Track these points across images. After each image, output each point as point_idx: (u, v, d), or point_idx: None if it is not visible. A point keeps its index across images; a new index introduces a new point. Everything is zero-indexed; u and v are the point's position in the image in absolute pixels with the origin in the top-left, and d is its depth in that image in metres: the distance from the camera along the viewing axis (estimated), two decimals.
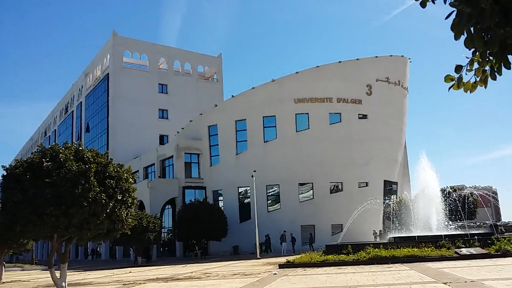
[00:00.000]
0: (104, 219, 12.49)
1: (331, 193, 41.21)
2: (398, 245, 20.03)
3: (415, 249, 18.92)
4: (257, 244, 32.29)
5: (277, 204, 40.98)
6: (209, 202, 40.20)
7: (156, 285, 16.01)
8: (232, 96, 44.40)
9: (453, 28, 3.22)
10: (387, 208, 37.73)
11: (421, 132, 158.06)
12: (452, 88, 3.59)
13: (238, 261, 28.34)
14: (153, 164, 47.65)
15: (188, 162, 44.18)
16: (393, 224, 35.23)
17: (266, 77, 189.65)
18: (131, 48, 59.94)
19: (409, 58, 48.07)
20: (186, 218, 36.73)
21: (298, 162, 40.12)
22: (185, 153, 43.77)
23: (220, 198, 43.01)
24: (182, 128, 46.12)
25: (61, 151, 12.54)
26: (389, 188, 43.94)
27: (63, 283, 12.92)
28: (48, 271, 13.67)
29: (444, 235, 21.99)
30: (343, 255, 19.38)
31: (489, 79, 3.49)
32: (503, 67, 3.35)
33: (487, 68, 3.45)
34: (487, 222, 49.97)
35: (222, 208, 40.49)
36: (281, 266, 19.61)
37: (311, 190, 40.94)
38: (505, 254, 17.65)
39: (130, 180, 13.47)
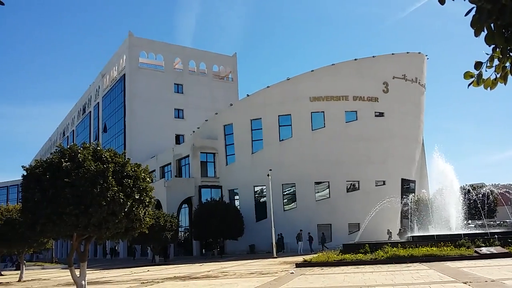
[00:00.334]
0: (122, 218, 12.62)
1: (347, 192, 40.95)
2: (416, 244, 19.83)
3: (434, 248, 18.69)
4: (274, 243, 32.29)
5: (293, 203, 40.90)
6: (225, 201, 40.31)
7: (174, 284, 16.13)
8: (247, 95, 44.44)
9: (473, 24, 3.18)
10: (405, 207, 37.35)
11: (439, 129, 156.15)
12: (471, 85, 3.54)
13: (254, 260, 28.40)
14: (170, 163, 47.99)
15: (204, 161, 44.38)
16: (411, 223, 34.84)
17: (281, 76, 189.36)
18: (147, 49, 60.43)
19: (426, 55, 47.47)
20: (202, 217, 36.92)
21: (314, 161, 39.97)
22: (201, 152, 43.98)
23: (236, 197, 43.11)
24: (198, 128, 46.36)
25: (79, 151, 12.70)
26: (407, 186, 43.46)
27: (83, 282, 13.10)
28: (68, 270, 13.87)
29: (464, 234, 21.69)
30: (360, 254, 19.25)
31: (510, 75, 3.44)
32: None
33: (507, 64, 3.39)
34: (507, 220, 49.13)
35: (238, 207, 40.58)
36: (298, 265, 19.58)
37: (328, 189, 40.74)
38: None
39: (148, 179, 13.58)
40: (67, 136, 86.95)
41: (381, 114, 42.43)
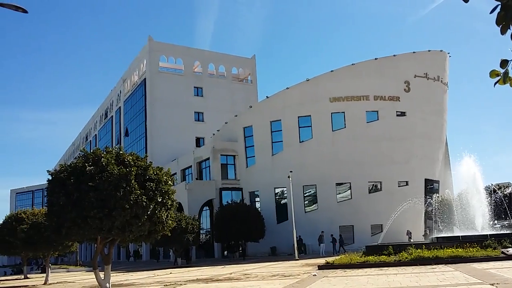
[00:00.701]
0: (145, 221, 12.76)
1: (369, 192, 40.53)
2: (441, 246, 19.46)
3: (460, 250, 18.32)
4: (295, 245, 32.18)
5: (314, 205, 40.69)
6: (246, 203, 40.36)
7: (197, 286, 16.20)
8: (267, 97, 44.44)
9: (498, 22, 3.11)
10: (429, 208, 36.76)
11: (463, 128, 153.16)
12: (497, 84, 3.47)
13: (276, 262, 28.32)
14: (190, 166, 48.32)
15: (224, 163, 44.54)
16: (436, 224, 34.28)
17: (300, 77, 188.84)
18: (166, 53, 61.05)
19: (448, 53, 46.69)
20: (223, 220, 37.03)
21: (335, 162, 39.70)
22: (221, 154, 44.15)
23: (257, 199, 43.11)
24: (218, 130, 46.56)
25: (102, 155, 12.91)
26: (431, 186, 42.77)
27: (107, 284, 13.29)
28: (93, 272, 14.09)
29: (490, 234, 21.22)
30: (384, 256, 19.00)
31: None
32: None
33: None
34: None
35: (259, 209, 40.56)
36: (320, 267, 19.44)
37: (349, 190, 40.41)
38: None
39: (170, 182, 13.71)
40: (90, 141, 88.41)
41: (403, 114, 41.90)
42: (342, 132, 40.63)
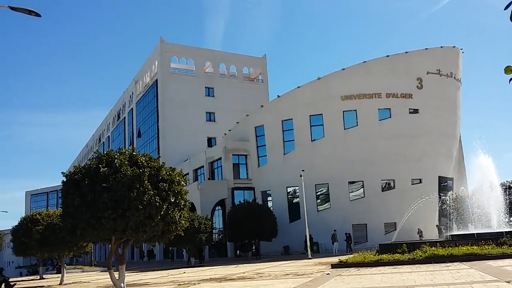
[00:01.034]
0: (159, 221, 12.85)
1: (382, 191, 40.27)
2: (456, 243, 19.26)
3: (475, 247, 18.10)
4: (308, 244, 32.12)
5: (326, 203, 40.56)
6: (258, 202, 40.38)
7: (211, 285, 16.27)
8: (278, 96, 44.40)
9: None
10: (443, 205, 36.42)
11: (477, 125, 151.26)
12: None
13: (289, 261, 28.29)
14: (202, 166, 48.48)
15: (236, 163, 44.61)
16: (450, 222, 33.93)
17: (311, 75, 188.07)
18: (178, 54, 61.31)
19: (461, 49, 46.19)
20: (236, 219, 37.11)
21: (347, 160, 39.53)
22: (232, 154, 44.22)
23: (269, 198, 43.10)
24: (229, 130, 46.63)
25: (116, 156, 13.03)
26: (445, 184, 42.36)
27: (122, 284, 13.40)
28: (107, 272, 14.22)
29: (506, 231, 20.93)
30: (397, 254, 18.86)
31: None
32: None
33: None
34: None
35: (271, 208, 40.56)
36: (334, 266, 19.38)
37: (362, 189, 40.20)
38: None
39: (182, 183, 13.78)
40: (103, 142, 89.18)
41: (415, 111, 41.57)
42: (354, 130, 40.43)
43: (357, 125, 40.60)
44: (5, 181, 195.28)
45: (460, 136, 46.97)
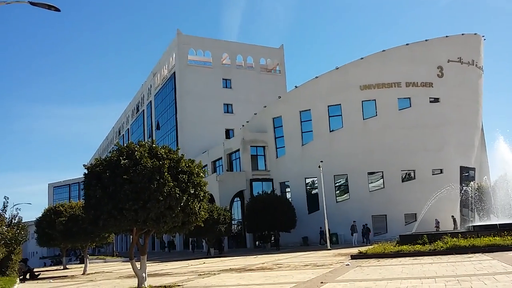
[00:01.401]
0: (179, 212, 12.97)
1: (403, 181, 39.85)
2: (478, 234, 18.96)
3: (497, 238, 17.79)
4: (327, 235, 32.07)
5: (345, 194, 40.36)
6: (277, 193, 40.41)
7: (230, 276, 16.42)
8: (296, 87, 44.17)
9: None
10: (465, 196, 35.88)
11: (500, 113, 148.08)
12: None
13: (308, 252, 28.34)
14: (221, 158, 48.66)
15: (254, 154, 44.67)
16: (472, 212, 33.43)
17: (329, 65, 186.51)
18: (195, 46, 61.40)
19: (483, 36, 45.13)
20: (255, 210, 37.25)
21: (366, 151, 39.20)
22: (251, 146, 44.29)
23: (287, 189, 43.10)
24: (247, 122, 46.66)
25: (136, 149, 13.16)
26: (466, 174, 41.68)
27: (144, 274, 13.60)
28: (129, 263, 14.45)
29: None
30: (418, 245, 18.72)
31: None
32: None
33: None
34: None
35: (290, 199, 40.57)
36: (353, 257, 19.33)
37: (382, 179, 39.85)
38: None
39: (201, 174, 13.86)
40: (123, 135, 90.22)
41: (436, 100, 40.93)
42: (373, 120, 40.03)
43: (376, 115, 40.17)
44: (29, 174, 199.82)
45: (482, 125, 46.08)
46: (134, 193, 12.25)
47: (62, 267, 35.11)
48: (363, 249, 20.76)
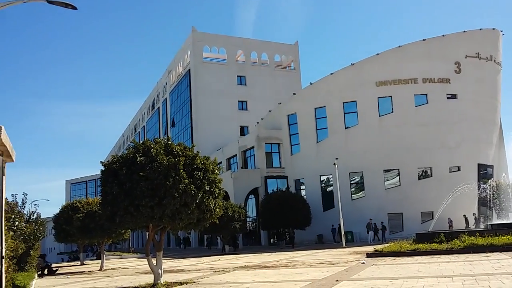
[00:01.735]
0: (194, 209, 13.04)
1: (419, 179, 39.41)
2: (496, 233, 18.70)
3: None
4: (342, 232, 31.93)
5: (361, 192, 40.10)
6: (292, 191, 40.34)
7: (245, 272, 16.45)
8: (311, 84, 43.97)
9: None
10: (483, 194, 35.38)
11: None
12: None
13: (323, 250, 28.25)
14: (235, 155, 48.75)
15: (269, 152, 44.64)
16: (490, 211, 32.97)
17: (345, 61, 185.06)
18: (209, 43, 61.54)
19: (502, 31, 44.33)
20: (269, 208, 37.25)
21: (382, 148, 38.87)
22: (265, 143, 44.26)
23: (302, 187, 42.97)
24: (262, 119, 46.63)
25: (152, 146, 13.26)
26: (484, 172, 41.03)
27: (159, 270, 13.72)
28: (145, 259, 14.58)
29: None
30: (435, 244, 18.54)
31: None
32: None
33: None
34: None
35: (305, 197, 40.46)
36: (369, 255, 19.21)
37: (398, 177, 39.48)
38: None
39: (216, 171, 13.92)
40: (139, 132, 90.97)
41: (453, 96, 40.37)
42: (389, 117, 39.66)
43: (392, 111, 39.80)
44: (46, 171, 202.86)
45: (500, 122, 45.28)
46: (150, 189, 12.36)
47: (79, 263, 35.62)
48: (379, 247, 20.63)
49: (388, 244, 21.69)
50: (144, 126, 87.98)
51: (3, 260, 5.77)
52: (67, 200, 53.47)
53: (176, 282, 13.95)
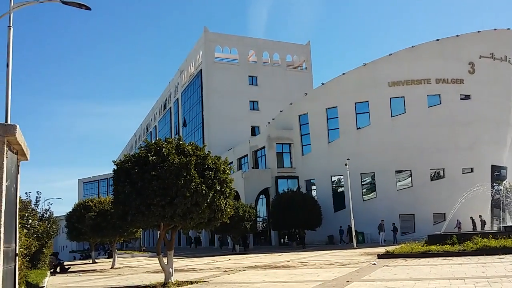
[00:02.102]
0: (205, 209, 13.09)
1: (431, 180, 39.04)
2: (509, 235, 18.48)
3: None
4: (353, 233, 31.76)
5: (372, 193, 39.85)
6: (302, 191, 40.25)
7: (256, 272, 16.46)
8: (322, 84, 43.82)
9: None
10: (496, 195, 34.93)
11: None
12: None
13: (334, 251, 28.15)
14: (246, 155, 48.79)
15: (280, 152, 44.60)
16: (503, 213, 32.50)
17: (357, 62, 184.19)
18: (221, 43, 61.70)
19: None
20: (280, 208, 37.21)
21: (394, 149, 38.59)
22: (276, 143, 44.23)
23: (313, 187, 42.86)
24: (273, 119, 46.60)
25: (164, 145, 13.34)
26: (498, 173, 40.51)
27: (170, 269, 13.80)
28: (156, 258, 14.67)
29: None
30: (447, 246, 18.36)
31: None
32: None
33: None
34: None
35: (316, 197, 40.34)
36: (380, 256, 19.11)
37: (410, 178, 39.17)
38: None
39: (227, 171, 13.95)
40: (150, 132, 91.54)
41: (467, 97, 39.94)
42: (402, 118, 39.37)
43: (405, 112, 39.50)
44: (59, 170, 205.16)
45: None
46: (161, 189, 12.43)
47: (91, 261, 35.91)
48: (390, 248, 20.49)
49: (399, 246, 21.51)
50: (156, 125, 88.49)
51: (17, 257, 5.86)
52: (80, 199, 53.97)
53: (186, 281, 14.01)
